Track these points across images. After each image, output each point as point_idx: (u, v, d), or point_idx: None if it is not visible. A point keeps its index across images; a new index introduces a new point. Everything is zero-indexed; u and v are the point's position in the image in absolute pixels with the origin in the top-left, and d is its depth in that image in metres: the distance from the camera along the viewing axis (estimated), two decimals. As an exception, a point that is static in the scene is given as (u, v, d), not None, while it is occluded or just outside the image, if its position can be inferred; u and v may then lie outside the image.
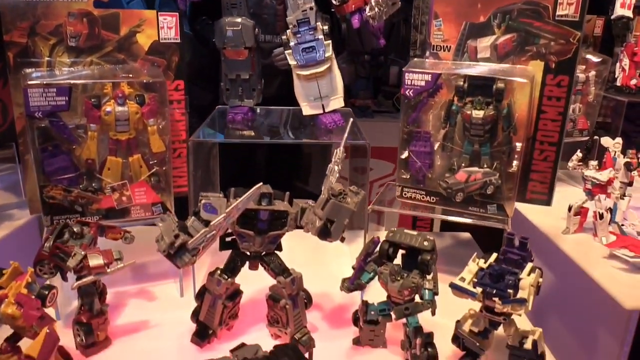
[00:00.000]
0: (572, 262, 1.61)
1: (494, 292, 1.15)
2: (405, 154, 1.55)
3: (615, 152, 1.77)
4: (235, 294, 1.34)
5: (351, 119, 1.34)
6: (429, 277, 1.23)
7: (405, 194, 1.56)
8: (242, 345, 1.05)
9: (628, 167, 1.71)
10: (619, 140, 1.76)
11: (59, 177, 1.38)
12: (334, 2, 1.49)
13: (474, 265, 1.24)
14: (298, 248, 1.36)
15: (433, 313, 1.22)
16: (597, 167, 1.76)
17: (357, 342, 1.37)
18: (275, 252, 1.33)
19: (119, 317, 1.47)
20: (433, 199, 1.53)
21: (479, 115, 1.42)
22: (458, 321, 1.28)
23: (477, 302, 1.22)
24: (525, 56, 1.48)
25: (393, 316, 1.28)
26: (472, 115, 1.43)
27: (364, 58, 2.48)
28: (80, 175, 1.42)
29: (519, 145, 1.45)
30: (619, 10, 1.96)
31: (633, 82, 2.15)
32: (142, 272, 1.68)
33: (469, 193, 1.48)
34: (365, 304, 1.32)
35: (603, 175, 1.75)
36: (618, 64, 2.18)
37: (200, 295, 1.34)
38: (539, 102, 1.49)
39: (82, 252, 1.24)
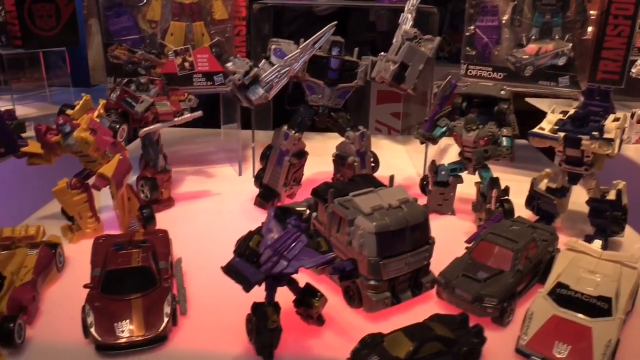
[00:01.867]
0: (637, 166, 1.53)
1: (578, 134, 1.09)
2: (471, 30, 1.47)
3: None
4: (302, 153, 1.29)
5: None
6: (508, 127, 1.17)
7: (470, 72, 1.49)
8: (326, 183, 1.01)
9: None
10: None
11: (123, 38, 1.35)
12: None
13: (553, 116, 1.18)
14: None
15: (512, 159, 1.15)
16: None
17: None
18: (344, 110, 1.28)
19: (179, 188, 1.44)
20: (500, 75, 1.46)
21: (552, -19, 1.34)
22: (534, 179, 1.22)
23: (557, 151, 1.15)
24: None
25: (469, 167, 1.20)
26: (544, -18, 1.35)
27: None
28: (143, 38, 1.38)
29: (593, 12, 1.36)
30: None
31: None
32: (201, 158, 1.65)
33: (539, 66, 1.41)
34: (434, 164, 1.26)
35: None
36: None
37: (265, 156, 1.30)
38: (614, -29, 1.40)
39: (150, 99, 1.20)
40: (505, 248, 0.94)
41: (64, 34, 1.92)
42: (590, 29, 1.37)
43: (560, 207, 1.21)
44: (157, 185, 1.27)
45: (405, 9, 1.21)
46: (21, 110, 1.86)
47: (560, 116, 1.18)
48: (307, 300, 0.82)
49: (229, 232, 0.84)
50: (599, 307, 0.84)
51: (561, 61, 1.39)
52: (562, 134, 1.11)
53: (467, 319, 0.83)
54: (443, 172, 1.25)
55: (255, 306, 0.79)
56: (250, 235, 0.78)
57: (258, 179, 1.32)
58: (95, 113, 1.09)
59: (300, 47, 1.12)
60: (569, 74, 1.39)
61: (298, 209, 1.10)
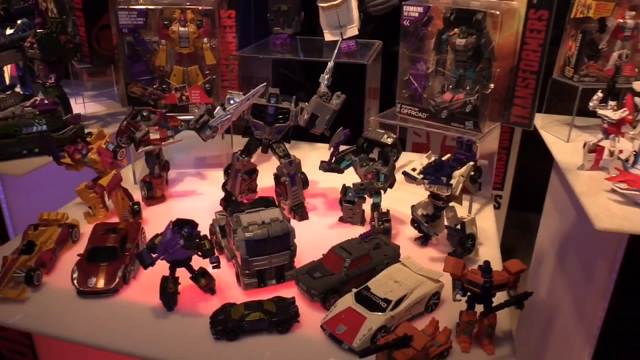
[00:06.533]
0: (575, 194, 1.85)
1: (432, 177, 1.51)
2: (406, 77, 1.89)
3: (646, 96, 1.93)
4: (252, 171, 1.82)
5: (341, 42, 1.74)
6: (387, 167, 1.61)
7: (402, 110, 1.91)
8: (236, 201, 1.55)
9: None
10: (649, 85, 1.91)
11: (139, 78, 1.95)
12: None
13: (425, 160, 1.59)
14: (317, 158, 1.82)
15: (384, 191, 1.60)
16: (616, 108, 1.94)
17: (341, 219, 1.79)
18: (283, 142, 1.78)
19: (175, 186, 2.04)
20: (424, 115, 1.86)
21: (461, 42, 1.71)
22: (413, 206, 1.64)
23: (426, 190, 1.57)
24: (511, -7, 1.73)
25: (365, 196, 1.68)
26: (455, 43, 1.72)
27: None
28: (154, 78, 1.98)
29: (496, 72, 1.72)
30: None
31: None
32: (202, 161, 2.24)
33: (452, 111, 1.80)
34: (344, 187, 1.74)
35: (615, 115, 1.92)
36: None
37: (226, 171, 1.85)
38: (522, 35, 1.74)
39: (146, 128, 1.80)
40: (340, 257, 1.41)
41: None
42: (491, 85, 1.73)
43: (434, 229, 1.63)
44: (152, 187, 1.87)
45: (325, 70, 1.68)
46: (91, 108, 2.56)
47: (431, 160, 1.59)
48: (196, 278, 1.38)
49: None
50: (379, 305, 1.29)
51: (468, 109, 1.77)
52: (421, 176, 1.54)
53: (294, 301, 1.33)
54: (350, 194, 1.72)
55: (163, 278, 1.36)
56: (156, 235, 1.34)
57: (224, 186, 1.88)
58: (103, 141, 1.71)
59: (238, 101, 1.64)
60: (472, 120, 1.77)
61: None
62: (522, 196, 2.52)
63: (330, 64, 1.68)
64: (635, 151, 1.84)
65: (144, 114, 1.83)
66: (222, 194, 1.90)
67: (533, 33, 1.72)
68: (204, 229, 1.46)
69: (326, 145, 1.68)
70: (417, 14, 1.76)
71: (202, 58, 1.97)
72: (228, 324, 1.26)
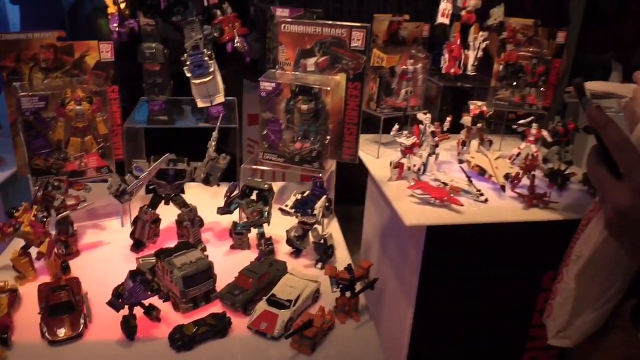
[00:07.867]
0: (388, 199, 2.70)
1: (300, 211, 2.23)
2: (265, 132, 2.57)
3: (426, 123, 2.85)
4: (156, 220, 2.34)
5: (220, 115, 2.37)
6: (267, 206, 2.29)
7: (265, 157, 2.59)
8: (162, 249, 2.08)
9: (433, 134, 2.80)
10: (429, 115, 2.83)
11: (40, 152, 2.31)
12: (215, 34, 2.46)
13: (294, 197, 2.30)
14: (205, 199, 2.40)
15: (268, 224, 2.28)
16: (409, 135, 2.84)
17: (232, 247, 2.42)
18: (180, 194, 2.34)
19: (82, 240, 2.44)
20: (282, 160, 2.57)
21: (304, 107, 2.43)
22: (287, 230, 2.35)
23: (297, 219, 2.28)
24: (335, 70, 2.51)
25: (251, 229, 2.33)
26: (300, 108, 2.45)
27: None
28: (53, 150, 2.36)
29: (330, 126, 2.50)
30: (439, 19, 2.98)
31: (452, 70, 3.19)
32: (94, 213, 2.63)
33: (303, 156, 2.52)
34: (234, 223, 2.37)
35: (408, 141, 2.82)
36: (442, 58, 3.22)
37: (135, 222, 2.34)
38: (345, 99, 2.54)
39: (62, 197, 2.20)
40: (249, 277, 2.06)
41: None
42: (328, 137, 2.49)
43: (303, 245, 2.35)
44: (69, 244, 2.27)
45: (211, 138, 2.28)
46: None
47: (298, 197, 2.31)
48: (148, 312, 1.91)
49: (116, 272, 1.87)
50: (285, 305, 1.97)
51: (314, 154, 2.50)
52: (293, 211, 2.25)
53: (225, 314, 1.94)
54: (239, 227, 2.35)
55: (124, 317, 1.86)
56: (119, 286, 1.84)
57: (132, 234, 2.36)
58: (32, 214, 2.08)
59: (148, 170, 2.15)
60: (318, 161, 2.52)
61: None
62: (345, 192, 3.05)
63: (215, 134, 2.28)
64: (423, 163, 2.77)
65: (55, 184, 2.23)
66: (126, 241, 2.38)
67: (352, 98, 2.52)
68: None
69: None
70: (270, 88, 2.45)
71: (95, 128, 2.40)
72: (185, 339, 1.83)
